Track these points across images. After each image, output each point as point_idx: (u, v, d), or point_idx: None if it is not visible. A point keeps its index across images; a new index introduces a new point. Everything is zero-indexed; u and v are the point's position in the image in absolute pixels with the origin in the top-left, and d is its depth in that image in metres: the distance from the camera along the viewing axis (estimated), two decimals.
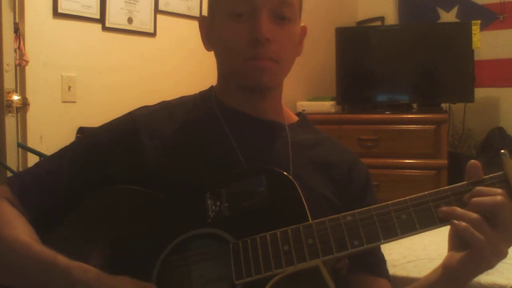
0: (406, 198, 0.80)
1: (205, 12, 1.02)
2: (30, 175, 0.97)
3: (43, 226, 0.90)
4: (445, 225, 0.80)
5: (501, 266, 1.47)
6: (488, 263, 0.78)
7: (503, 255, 0.78)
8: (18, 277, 0.85)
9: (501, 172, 0.80)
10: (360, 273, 0.96)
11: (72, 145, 1.00)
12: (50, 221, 0.91)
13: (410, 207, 0.79)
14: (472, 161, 0.82)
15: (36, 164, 1.00)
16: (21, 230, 0.88)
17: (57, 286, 0.81)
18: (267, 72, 0.92)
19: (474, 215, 0.77)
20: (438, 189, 0.81)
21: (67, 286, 0.80)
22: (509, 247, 0.78)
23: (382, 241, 0.78)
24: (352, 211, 0.80)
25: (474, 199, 0.78)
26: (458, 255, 0.80)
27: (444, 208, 0.78)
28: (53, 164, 0.97)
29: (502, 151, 0.79)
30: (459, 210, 0.78)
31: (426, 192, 0.80)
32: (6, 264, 0.86)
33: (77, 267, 0.80)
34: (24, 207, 0.92)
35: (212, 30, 0.97)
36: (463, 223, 0.76)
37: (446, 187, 0.81)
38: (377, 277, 0.98)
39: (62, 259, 0.82)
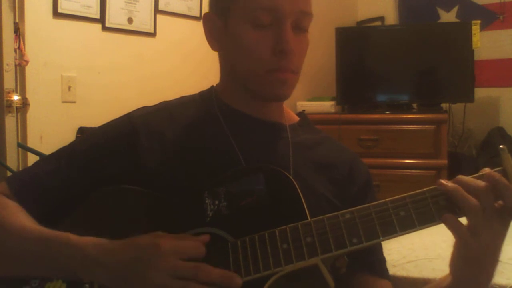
0: (405, 195, 0.80)
1: (205, 11, 1.02)
2: (28, 175, 0.97)
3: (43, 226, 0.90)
4: None
5: (501, 266, 1.48)
6: (471, 249, 0.78)
7: (484, 241, 0.77)
8: (29, 263, 0.86)
9: (500, 168, 0.80)
10: (361, 273, 0.96)
11: (71, 146, 1.00)
12: (48, 222, 0.91)
13: (409, 204, 0.79)
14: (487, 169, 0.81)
15: (35, 164, 1.00)
16: (24, 218, 0.89)
17: (72, 262, 0.81)
18: (288, 84, 0.93)
19: (474, 200, 0.77)
20: (437, 186, 0.81)
21: (82, 260, 0.80)
22: (492, 236, 0.78)
23: (381, 238, 0.78)
24: (350, 209, 0.80)
25: (460, 177, 0.79)
26: (454, 248, 0.82)
27: (447, 184, 0.79)
28: (51, 164, 0.96)
29: (501, 146, 0.79)
30: (461, 191, 0.78)
31: (424, 189, 0.80)
32: (15, 252, 0.86)
33: (89, 241, 0.81)
34: (23, 206, 0.92)
35: (223, 31, 0.95)
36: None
37: None
38: (379, 277, 0.97)
39: (73, 236, 0.82)
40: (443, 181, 0.79)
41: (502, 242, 0.80)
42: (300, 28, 0.92)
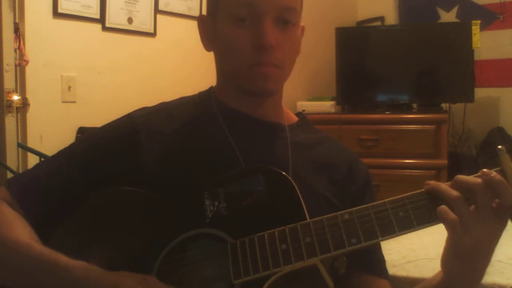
0: (404, 195, 0.80)
1: (204, 12, 1.02)
2: (28, 177, 0.97)
3: (42, 228, 0.90)
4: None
5: (501, 266, 1.47)
6: (462, 244, 0.77)
7: (477, 238, 0.77)
8: (19, 278, 0.85)
9: (498, 168, 0.80)
10: (360, 273, 0.96)
11: (70, 147, 1.00)
12: (49, 222, 0.91)
13: (408, 204, 0.79)
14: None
15: (35, 166, 1.00)
16: (21, 231, 0.88)
17: (59, 285, 0.81)
18: (271, 78, 0.92)
19: (454, 192, 0.77)
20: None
21: (68, 285, 0.80)
22: (486, 233, 0.77)
23: (379, 238, 0.78)
24: (349, 209, 0.80)
25: (458, 176, 0.79)
26: (446, 245, 0.81)
27: (431, 182, 0.79)
28: (51, 166, 0.97)
29: (499, 146, 0.79)
30: (442, 185, 0.79)
31: (423, 189, 0.80)
32: (6, 265, 0.86)
33: (78, 266, 0.80)
34: (23, 209, 0.92)
35: (212, 31, 0.97)
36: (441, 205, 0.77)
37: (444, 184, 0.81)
38: (378, 277, 0.97)
39: (63, 258, 0.81)
40: (428, 182, 0.79)
41: (497, 241, 0.79)
42: (285, 21, 0.92)
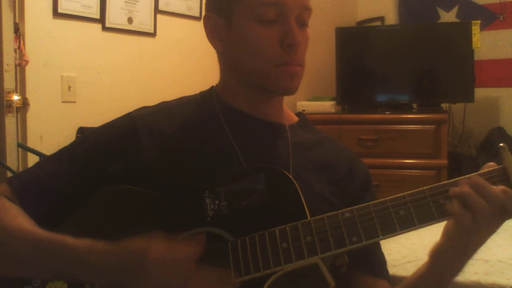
0: (405, 193, 0.80)
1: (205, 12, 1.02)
2: (29, 176, 0.97)
3: (42, 227, 0.90)
4: (444, 220, 0.80)
5: (501, 266, 1.47)
6: (468, 239, 0.80)
7: (483, 237, 0.80)
8: (28, 264, 0.85)
9: (500, 166, 0.80)
10: (360, 274, 0.96)
11: (71, 146, 1.00)
12: (49, 222, 0.91)
13: (409, 203, 0.79)
14: (491, 163, 0.83)
15: (36, 165, 1.00)
16: (24, 220, 0.89)
17: (69, 265, 0.81)
18: (297, 77, 0.94)
19: (483, 203, 0.77)
20: (436, 184, 0.81)
21: (78, 263, 0.80)
22: (489, 233, 0.80)
23: (380, 237, 0.78)
24: (350, 208, 0.81)
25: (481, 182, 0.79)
26: (445, 235, 0.83)
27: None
28: (52, 164, 0.97)
29: (501, 144, 0.80)
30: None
31: (424, 188, 0.80)
32: (14, 253, 0.86)
33: (85, 244, 0.81)
34: (24, 207, 0.92)
35: (225, 31, 0.96)
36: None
37: (445, 182, 0.81)
38: (377, 278, 0.98)
39: (69, 239, 0.82)
40: (455, 189, 0.79)
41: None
42: (302, 23, 0.94)
